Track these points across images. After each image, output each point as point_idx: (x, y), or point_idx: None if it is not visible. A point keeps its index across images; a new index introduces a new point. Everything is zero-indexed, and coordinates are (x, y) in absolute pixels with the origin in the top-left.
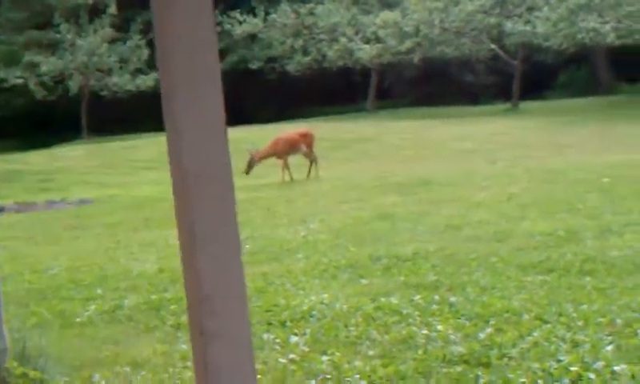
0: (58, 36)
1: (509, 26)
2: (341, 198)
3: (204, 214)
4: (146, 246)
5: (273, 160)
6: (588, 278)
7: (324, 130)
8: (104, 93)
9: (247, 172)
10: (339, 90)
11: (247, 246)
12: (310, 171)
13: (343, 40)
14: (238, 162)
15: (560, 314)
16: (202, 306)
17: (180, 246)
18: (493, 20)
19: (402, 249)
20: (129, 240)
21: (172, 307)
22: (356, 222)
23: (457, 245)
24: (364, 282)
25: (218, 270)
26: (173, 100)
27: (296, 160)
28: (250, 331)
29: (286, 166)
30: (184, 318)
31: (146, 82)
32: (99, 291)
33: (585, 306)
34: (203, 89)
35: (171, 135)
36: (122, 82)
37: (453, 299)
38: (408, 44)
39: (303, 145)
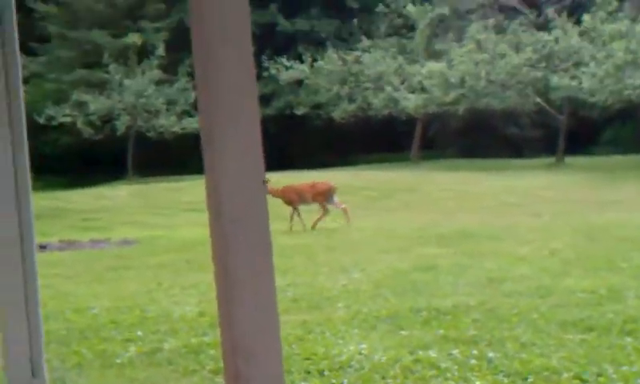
0: (107, 76)
1: (555, 80)
2: (382, 247)
3: (240, 259)
4: (187, 288)
5: (315, 207)
6: (629, 339)
7: (367, 178)
8: (150, 133)
9: None
10: (383, 138)
11: (289, 293)
12: (316, 221)
13: (389, 89)
14: (279, 208)
15: (599, 375)
16: (236, 351)
17: (216, 290)
18: (539, 74)
19: (442, 301)
20: (171, 282)
21: (211, 352)
22: (397, 273)
23: (498, 299)
24: (403, 333)
25: (253, 316)
26: (212, 145)
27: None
28: (282, 377)
29: (294, 215)
30: (222, 364)
31: (192, 123)
32: (139, 333)
33: (625, 368)
34: (242, 135)
35: (209, 179)
36: (169, 124)
37: (491, 355)
38: (453, 95)
39: (311, 196)
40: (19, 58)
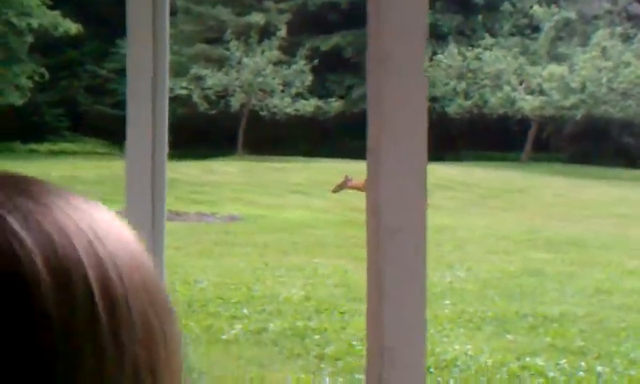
0: (227, 53)
1: None
2: (489, 247)
3: (395, 268)
4: (293, 270)
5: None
6: None
7: (477, 176)
8: (263, 113)
9: (335, 191)
10: (496, 137)
11: None
12: None
13: (507, 88)
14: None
15: None
16: (382, 358)
17: (367, 295)
18: None
19: (549, 308)
20: (277, 263)
21: (316, 337)
22: (504, 275)
23: (606, 312)
24: (509, 337)
25: (403, 324)
26: (378, 155)
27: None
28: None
29: None
30: (328, 350)
31: (305, 106)
32: (245, 311)
33: None
34: (408, 147)
35: (372, 187)
36: (283, 105)
37: (600, 369)
38: (572, 100)
39: None
40: (167, 29)
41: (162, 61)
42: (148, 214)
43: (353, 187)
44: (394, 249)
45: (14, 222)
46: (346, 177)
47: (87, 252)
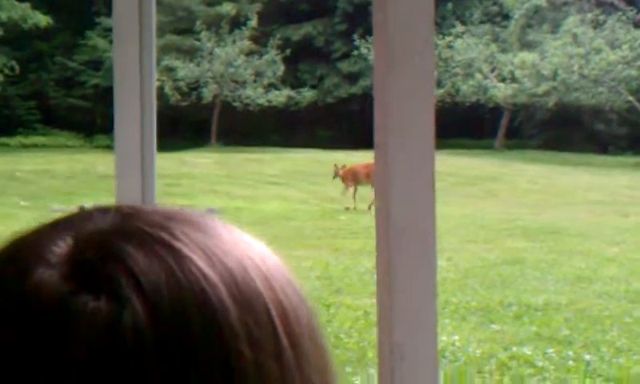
0: (198, 43)
1: None
2: (468, 237)
3: (404, 267)
4: None
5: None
6: None
7: (450, 164)
8: (236, 104)
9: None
10: (468, 125)
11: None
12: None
13: (478, 76)
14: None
15: None
16: (392, 354)
17: (377, 293)
18: (633, 72)
19: (532, 297)
20: None
21: None
22: (484, 264)
23: (589, 300)
24: (495, 327)
25: (412, 320)
26: (386, 153)
27: None
28: (438, 381)
29: (353, 195)
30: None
31: (278, 97)
32: None
33: None
34: (416, 144)
35: (380, 187)
36: (255, 95)
37: (587, 357)
38: (544, 87)
39: (365, 176)
40: (154, 16)
41: (148, 55)
42: None
43: (342, 176)
44: (404, 246)
45: (198, 260)
46: (335, 166)
47: (263, 285)
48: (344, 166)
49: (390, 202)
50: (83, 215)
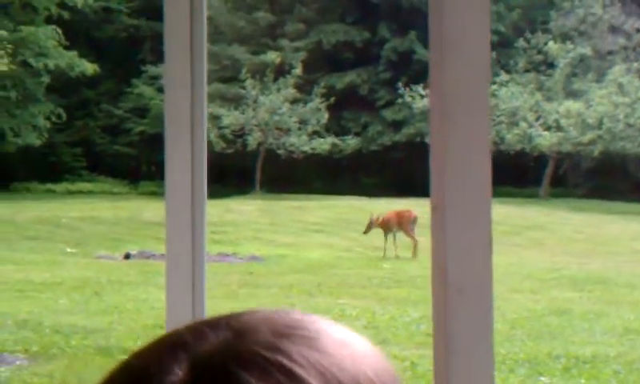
0: (243, 91)
1: None
2: (514, 286)
3: (461, 329)
4: (320, 312)
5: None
6: None
7: (496, 212)
8: (280, 151)
9: (366, 232)
10: (513, 172)
11: (422, 327)
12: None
13: (523, 125)
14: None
15: None
16: None
17: (433, 355)
18: None
19: (580, 349)
20: (303, 304)
21: None
22: (531, 315)
23: (638, 352)
24: (544, 379)
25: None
26: (443, 215)
27: None
28: None
29: (386, 241)
30: None
31: (322, 144)
32: None
33: None
34: (473, 204)
35: (437, 246)
36: (299, 143)
37: None
38: (590, 135)
39: (396, 224)
40: (205, 64)
41: (199, 102)
42: (188, 258)
43: (380, 225)
44: (461, 307)
45: (309, 377)
46: (372, 215)
47: None
48: (377, 218)
49: (447, 264)
50: (195, 333)
